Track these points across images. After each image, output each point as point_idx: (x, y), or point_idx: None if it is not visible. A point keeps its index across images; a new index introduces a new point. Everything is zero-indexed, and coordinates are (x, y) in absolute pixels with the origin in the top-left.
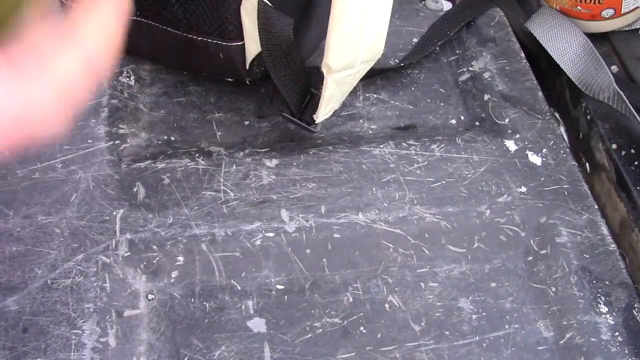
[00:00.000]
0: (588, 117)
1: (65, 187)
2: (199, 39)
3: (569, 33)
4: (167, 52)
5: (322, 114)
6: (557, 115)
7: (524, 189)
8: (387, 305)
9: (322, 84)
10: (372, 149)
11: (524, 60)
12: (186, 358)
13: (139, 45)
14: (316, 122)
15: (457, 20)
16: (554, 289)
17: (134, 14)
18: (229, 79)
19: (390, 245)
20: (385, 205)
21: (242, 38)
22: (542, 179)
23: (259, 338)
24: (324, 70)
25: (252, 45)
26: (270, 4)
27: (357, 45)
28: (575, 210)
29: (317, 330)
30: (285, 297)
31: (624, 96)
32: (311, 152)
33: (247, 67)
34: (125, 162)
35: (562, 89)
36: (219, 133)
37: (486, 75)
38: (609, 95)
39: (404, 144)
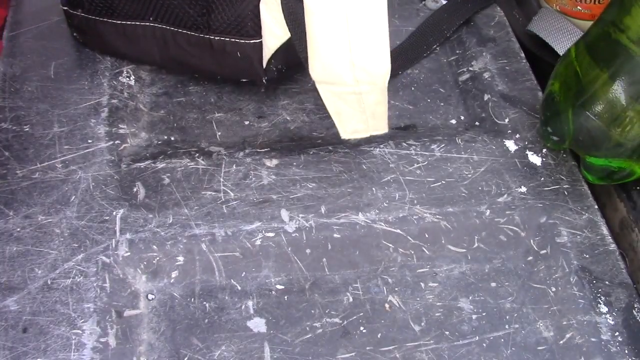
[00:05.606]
0: None
1: (65, 187)
2: (216, 39)
3: (569, 33)
4: (180, 58)
5: (343, 131)
6: None
7: (524, 189)
8: (387, 305)
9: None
10: (372, 149)
11: (524, 60)
12: (186, 358)
13: (149, 54)
14: (342, 138)
15: (453, 17)
16: (554, 289)
17: (147, 19)
18: (243, 80)
19: (390, 245)
20: (385, 205)
21: (260, 35)
22: (542, 179)
23: (259, 338)
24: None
25: (271, 41)
26: None
27: (342, 58)
28: (575, 210)
29: (317, 330)
30: (285, 297)
31: None
32: (311, 152)
33: (265, 64)
34: (125, 162)
35: None
36: (219, 133)
37: (486, 75)
38: None
39: (404, 144)
